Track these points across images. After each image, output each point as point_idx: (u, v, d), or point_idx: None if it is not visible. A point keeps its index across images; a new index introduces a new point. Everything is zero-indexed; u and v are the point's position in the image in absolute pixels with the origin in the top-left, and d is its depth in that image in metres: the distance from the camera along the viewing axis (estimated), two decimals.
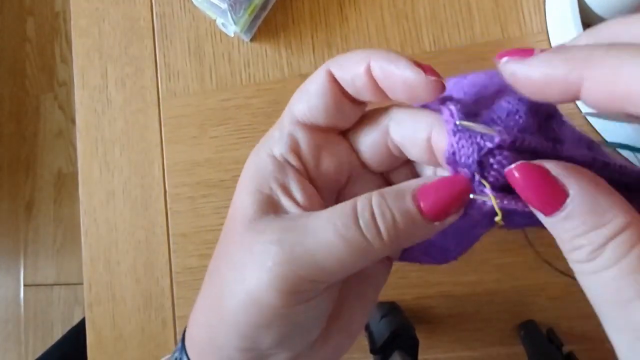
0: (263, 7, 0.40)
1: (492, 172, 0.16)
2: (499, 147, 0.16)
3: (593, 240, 0.14)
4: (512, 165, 0.15)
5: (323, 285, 0.18)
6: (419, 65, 0.17)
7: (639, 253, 0.14)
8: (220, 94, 0.41)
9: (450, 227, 0.17)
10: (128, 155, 0.42)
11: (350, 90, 0.19)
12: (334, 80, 0.19)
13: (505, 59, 0.15)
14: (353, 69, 0.18)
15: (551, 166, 0.15)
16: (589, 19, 0.35)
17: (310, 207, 0.19)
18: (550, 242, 0.17)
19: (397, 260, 0.22)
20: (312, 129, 0.20)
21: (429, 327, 0.37)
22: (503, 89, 0.18)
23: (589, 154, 0.16)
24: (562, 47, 0.15)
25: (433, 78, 0.17)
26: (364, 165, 0.21)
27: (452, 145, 0.16)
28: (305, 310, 0.18)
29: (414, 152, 0.19)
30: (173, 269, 0.40)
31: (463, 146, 0.16)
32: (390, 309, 0.35)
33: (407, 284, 0.37)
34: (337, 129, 0.21)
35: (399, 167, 0.21)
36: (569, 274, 0.34)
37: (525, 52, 0.15)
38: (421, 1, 0.39)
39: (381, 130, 0.20)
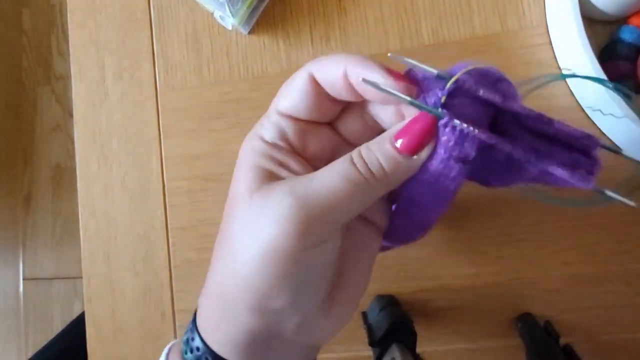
0: None
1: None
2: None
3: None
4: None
5: (332, 227, 0.20)
6: (390, 72, 0.20)
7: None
8: (218, 87, 0.41)
9: (424, 182, 0.21)
10: (126, 148, 0.42)
11: (329, 91, 0.22)
12: (314, 81, 0.22)
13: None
14: (332, 72, 0.21)
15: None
16: (589, 13, 0.35)
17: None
18: None
19: (384, 225, 0.25)
20: (296, 119, 0.22)
21: (427, 320, 0.37)
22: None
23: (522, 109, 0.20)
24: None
25: (403, 84, 0.20)
26: (346, 142, 0.24)
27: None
28: (317, 255, 0.20)
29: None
30: (172, 263, 0.40)
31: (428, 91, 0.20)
32: (389, 302, 0.35)
33: (405, 276, 0.37)
34: (320, 120, 0.23)
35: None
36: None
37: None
38: None
39: (357, 109, 0.23)
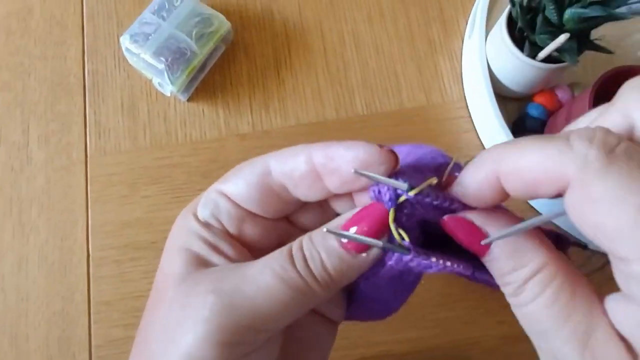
0: (201, 68, 0.40)
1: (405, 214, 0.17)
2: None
3: (516, 279, 0.16)
4: (446, 217, 0.17)
5: (264, 335, 0.17)
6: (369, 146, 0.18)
7: (552, 291, 0.16)
8: (154, 152, 0.40)
9: (383, 277, 0.18)
10: (47, 215, 0.39)
11: (287, 183, 0.19)
12: (268, 176, 0.19)
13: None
14: (293, 160, 0.19)
15: (473, 216, 0.17)
16: (501, 91, 0.39)
17: (241, 262, 0.18)
18: None
19: (342, 320, 0.22)
20: (237, 204, 0.20)
21: None
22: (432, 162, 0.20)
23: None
24: (479, 155, 0.17)
25: (387, 148, 0.17)
26: (299, 229, 0.21)
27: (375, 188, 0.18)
28: None
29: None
30: (93, 342, 0.36)
31: (381, 191, 0.17)
32: None
33: (348, 345, 0.36)
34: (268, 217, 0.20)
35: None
36: None
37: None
38: (353, 68, 0.42)
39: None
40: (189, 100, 0.41)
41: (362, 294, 0.20)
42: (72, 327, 0.37)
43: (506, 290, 0.17)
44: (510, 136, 0.36)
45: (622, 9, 0.32)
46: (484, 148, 0.40)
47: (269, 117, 0.41)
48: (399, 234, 0.17)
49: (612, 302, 0.15)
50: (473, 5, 0.43)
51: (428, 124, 0.41)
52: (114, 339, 0.36)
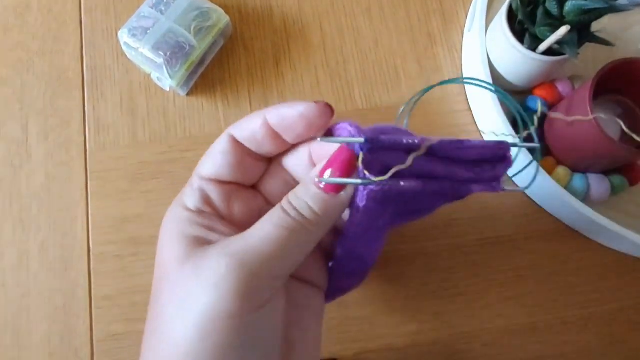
0: (200, 63, 0.40)
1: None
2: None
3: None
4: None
5: (276, 283, 0.19)
6: (305, 103, 0.21)
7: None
8: (154, 147, 0.40)
9: (355, 233, 0.21)
10: (48, 211, 0.39)
11: (252, 146, 0.22)
12: (235, 142, 0.22)
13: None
14: (252, 125, 0.22)
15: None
16: (500, 84, 0.39)
17: None
18: None
19: (325, 286, 0.24)
20: (219, 182, 0.22)
21: None
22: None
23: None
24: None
25: (322, 102, 0.21)
26: (271, 204, 0.24)
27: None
28: (263, 319, 0.19)
29: (301, 170, 0.23)
30: (95, 337, 0.37)
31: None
32: None
33: (348, 338, 0.36)
34: (246, 182, 0.23)
35: None
36: None
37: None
38: (352, 62, 0.42)
39: (276, 168, 0.25)
40: (188, 94, 0.41)
41: (340, 258, 0.23)
42: (73, 322, 0.37)
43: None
44: (510, 129, 0.36)
45: (623, 1, 0.31)
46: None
47: None
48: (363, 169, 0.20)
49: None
50: None
51: (428, 117, 0.41)
52: (116, 333, 0.36)
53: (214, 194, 0.22)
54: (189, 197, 0.22)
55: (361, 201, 0.20)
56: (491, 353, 0.36)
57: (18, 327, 0.37)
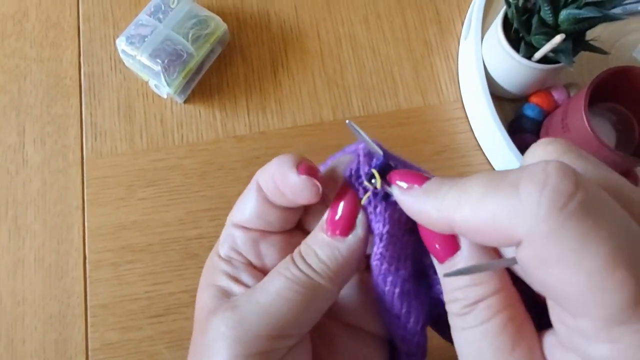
0: (198, 70, 0.40)
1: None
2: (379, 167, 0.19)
3: (468, 296, 0.16)
4: None
5: (287, 341, 0.18)
6: (299, 168, 0.19)
7: (501, 319, 0.15)
8: (151, 155, 0.40)
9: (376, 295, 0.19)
10: (43, 218, 0.39)
11: (270, 197, 0.20)
12: (260, 190, 0.21)
13: (396, 185, 0.18)
14: (268, 178, 0.20)
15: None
16: (497, 91, 0.39)
17: None
18: None
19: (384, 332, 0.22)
20: (246, 228, 0.21)
21: None
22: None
23: None
24: (433, 185, 0.16)
25: (311, 182, 0.19)
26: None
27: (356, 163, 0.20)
28: None
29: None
30: (90, 346, 0.36)
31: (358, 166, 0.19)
32: None
33: None
34: (278, 229, 0.21)
35: None
36: None
37: (414, 179, 0.17)
38: (349, 70, 0.42)
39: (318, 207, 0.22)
40: (185, 102, 0.41)
41: (383, 317, 0.20)
42: (68, 330, 0.36)
43: (452, 307, 0.16)
44: (507, 136, 0.37)
45: (617, 10, 0.32)
46: (480, 149, 0.41)
47: (265, 118, 0.41)
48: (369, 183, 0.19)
49: (550, 345, 0.15)
50: (469, 6, 0.43)
51: (425, 125, 0.41)
52: (111, 342, 0.36)
53: (240, 240, 0.21)
54: (222, 245, 0.21)
55: (384, 224, 0.18)
56: None
57: (12, 335, 0.36)
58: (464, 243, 0.16)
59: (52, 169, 0.40)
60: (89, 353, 0.36)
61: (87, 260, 0.38)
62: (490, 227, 0.14)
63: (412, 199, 0.17)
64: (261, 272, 0.20)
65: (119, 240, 0.38)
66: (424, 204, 0.16)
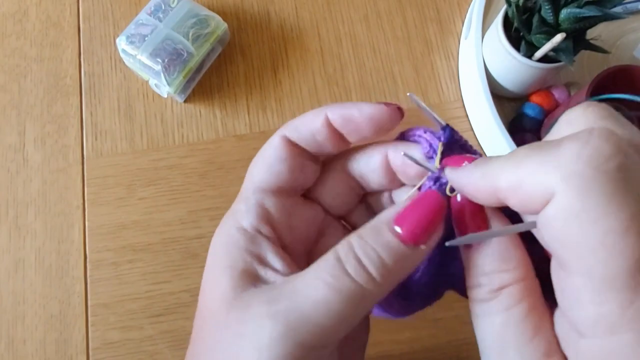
0: (198, 70, 0.40)
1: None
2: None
3: (492, 282, 0.16)
4: (458, 196, 0.17)
5: (327, 351, 0.17)
6: (372, 105, 0.19)
7: (524, 307, 0.15)
8: (151, 154, 0.40)
9: (428, 271, 0.18)
10: (44, 218, 0.39)
11: (310, 147, 0.20)
12: (291, 144, 0.20)
13: (448, 168, 0.18)
14: (310, 126, 0.19)
15: (487, 208, 0.17)
16: (497, 91, 0.39)
17: (289, 273, 0.18)
18: None
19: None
20: (280, 193, 0.19)
21: None
22: None
23: None
24: (483, 159, 0.16)
25: (394, 106, 0.19)
26: (331, 216, 0.21)
27: (427, 140, 0.19)
28: None
29: (373, 177, 0.20)
30: (90, 345, 0.36)
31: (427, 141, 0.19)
32: None
33: None
34: (301, 189, 0.21)
35: (356, 207, 0.22)
36: None
37: (466, 160, 0.17)
38: (349, 69, 0.42)
39: (339, 173, 0.21)
40: (185, 101, 0.41)
41: (406, 290, 0.20)
42: (69, 330, 0.37)
43: (477, 292, 0.16)
44: (507, 136, 0.36)
45: (618, 9, 0.32)
46: (481, 148, 0.41)
47: (266, 117, 0.41)
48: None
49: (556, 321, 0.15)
50: (469, 5, 0.43)
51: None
52: (112, 341, 0.36)
53: (276, 208, 0.19)
54: (245, 215, 0.18)
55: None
56: None
57: (13, 335, 0.36)
58: (494, 223, 0.16)
59: (52, 168, 0.40)
60: (90, 352, 0.36)
61: (87, 260, 0.38)
62: (529, 184, 0.14)
63: (462, 173, 0.16)
64: (285, 249, 0.19)
65: (119, 239, 0.38)
66: (472, 175, 0.16)
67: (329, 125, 0.19)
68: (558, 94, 0.39)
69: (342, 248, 0.16)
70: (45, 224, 0.38)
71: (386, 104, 0.19)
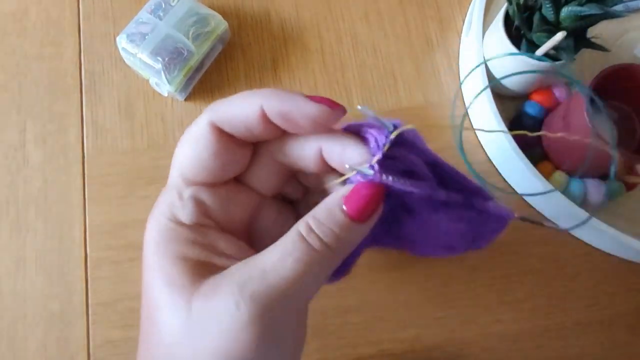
0: (198, 68, 0.40)
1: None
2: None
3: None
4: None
5: (297, 315, 0.18)
6: (313, 99, 0.19)
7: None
8: (151, 153, 0.40)
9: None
10: (45, 216, 0.39)
11: (242, 136, 0.20)
12: (220, 132, 0.19)
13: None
14: (243, 117, 0.19)
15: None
16: (498, 89, 0.39)
17: (243, 257, 0.18)
18: None
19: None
20: (212, 185, 0.20)
21: None
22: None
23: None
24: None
25: (337, 108, 0.19)
26: (261, 196, 0.22)
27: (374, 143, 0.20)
28: (280, 344, 0.18)
29: (305, 164, 0.21)
30: (91, 343, 0.36)
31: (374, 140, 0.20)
32: None
33: (347, 344, 0.36)
34: (234, 176, 0.21)
35: (287, 183, 0.24)
36: None
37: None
38: (350, 67, 0.42)
39: (269, 158, 0.22)
40: (186, 100, 0.41)
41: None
42: (70, 328, 0.37)
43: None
44: (508, 135, 0.36)
45: (619, 7, 0.32)
46: (481, 146, 0.41)
47: None
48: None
49: None
50: (470, 3, 0.43)
51: (425, 122, 0.41)
52: (113, 339, 0.36)
53: (211, 200, 0.19)
54: (181, 210, 0.19)
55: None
56: (490, 358, 0.36)
57: (14, 334, 0.36)
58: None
59: (53, 167, 0.40)
60: (91, 351, 0.36)
61: (88, 259, 0.38)
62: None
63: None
64: (225, 232, 0.20)
65: (120, 238, 0.38)
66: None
67: (264, 117, 0.19)
68: (558, 92, 0.39)
69: (302, 228, 0.18)
70: (46, 223, 0.39)
71: (329, 103, 0.19)
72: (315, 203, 0.20)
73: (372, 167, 0.19)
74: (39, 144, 0.40)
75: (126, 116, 0.41)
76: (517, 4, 0.34)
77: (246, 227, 0.22)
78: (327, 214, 0.19)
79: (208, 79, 0.42)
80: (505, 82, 0.39)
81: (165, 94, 0.41)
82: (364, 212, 0.19)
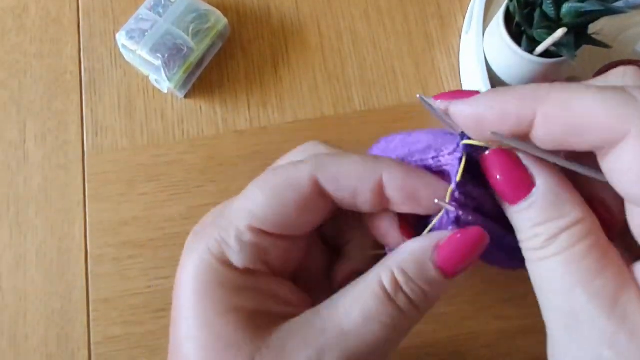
0: (198, 65, 0.40)
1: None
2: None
3: (549, 230, 0.15)
4: (487, 151, 0.16)
5: None
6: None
7: (585, 245, 0.14)
8: (151, 150, 0.40)
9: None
10: (45, 214, 0.39)
11: (341, 200, 0.17)
12: (320, 190, 0.17)
13: (442, 101, 0.16)
14: (355, 183, 0.17)
15: (522, 155, 0.16)
16: (497, 85, 0.39)
17: (303, 304, 0.17)
18: None
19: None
20: (279, 235, 0.17)
21: None
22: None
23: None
24: (504, 88, 0.16)
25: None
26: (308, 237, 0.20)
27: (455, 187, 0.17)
28: None
29: (361, 201, 0.18)
30: (92, 340, 0.36)
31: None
32: None
33: None
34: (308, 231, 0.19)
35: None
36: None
37: (464, 93, 0.16)
38: (350, 64, 0.42)
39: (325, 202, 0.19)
40: (186, 97, 0.41)
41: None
42: (71, 325, 0.37)
43: (531, 243, 0.16)
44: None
45: (620, 3, 0.32)
46: None
47: (266, 113, 0.41)
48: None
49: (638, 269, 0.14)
50: (470, 0, 0.43)
51: (426, 119, 0.41)
52: (113, 336, 0.36)
53: (274, 248, 0.17)
54: (237, 253, 0.16)
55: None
56: (491, 355, 0.36)
57: (15, 331, 0.37)
58: (540, 178, 0.15)
59: (53, 165, 0.40)
60: (91, 347, 0.36)
61: (88, 256, 0.38)
62: (592, 117, 0.13)
63: (475, 101, 0.15)
64: (276, 275, 0.18)
65: (120, 235, 0.38)
66: (495, 99, 0.14)
67: (380, 190, 0.17)
68: None
69: (389, 284, 0.16)
70: (46, 221, 0.39)
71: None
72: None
73: (461, 207, 0.16)
74: (39, 142, 0.40)
75: (126, 113, 0.41)
76: (518, 1, 0.34)
77: (295, 267, 0.20)
78: (417, 269, 0.16)
79: (208, 75, 0.42)
80: (505, 78, 0.39)
81: (165, 91, 0.41)
82: (462, 266, 0.16)
